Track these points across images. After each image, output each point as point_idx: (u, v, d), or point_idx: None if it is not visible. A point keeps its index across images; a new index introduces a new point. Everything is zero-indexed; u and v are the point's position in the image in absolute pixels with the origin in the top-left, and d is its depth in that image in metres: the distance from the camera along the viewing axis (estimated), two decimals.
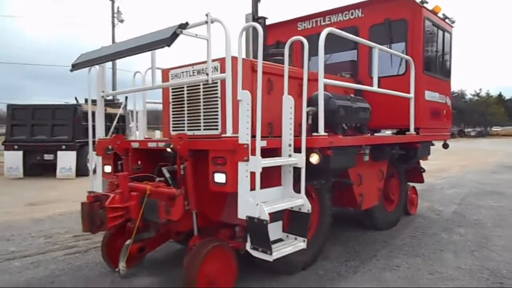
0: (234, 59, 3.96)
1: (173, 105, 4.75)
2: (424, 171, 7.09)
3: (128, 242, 4.14)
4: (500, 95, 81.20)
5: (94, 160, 5.16)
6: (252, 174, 3.38)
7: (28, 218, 7.68)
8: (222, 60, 4.17)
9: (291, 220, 3.86)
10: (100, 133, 5.06)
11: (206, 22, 3.53)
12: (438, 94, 6.54)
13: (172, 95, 4.75)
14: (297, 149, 3.82)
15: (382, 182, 5.73)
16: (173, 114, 4.77)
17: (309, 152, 3.86)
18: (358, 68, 6.39)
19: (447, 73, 6.97)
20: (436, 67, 6.58)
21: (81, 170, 14.07)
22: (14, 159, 13.69)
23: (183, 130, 4.61)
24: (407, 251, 5.32)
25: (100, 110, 4.96)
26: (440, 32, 6.58)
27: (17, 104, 15.06)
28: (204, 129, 4.39)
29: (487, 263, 4.81)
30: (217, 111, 4.24)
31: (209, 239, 3.87)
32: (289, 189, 3.83)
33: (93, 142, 5.17)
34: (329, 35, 4.00)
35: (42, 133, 13.82)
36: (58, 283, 4.34)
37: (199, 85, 4.37)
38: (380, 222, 6.16)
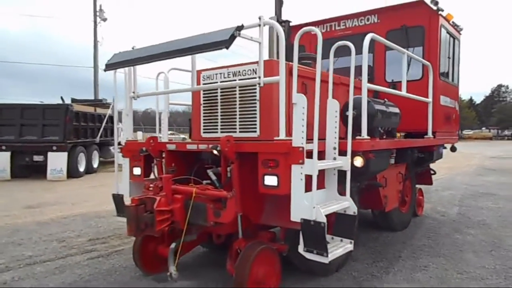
0: (276, 62, 4.00)
1: (204, 107, 4.71)
2: (435, 173, 7.29)
3: (173, 245, 4.09)
4: (471, 100, 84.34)
5: (117, 161, 5.06)
6: (306, 177, 3.40)
7: (31, 221, 7.45)
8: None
9: (337, 222, 3.90)
10: (127, 134, 4.95)
11: (259, 25, 3.54)
12: (449, 99, 6.74)
13: (204, 97, 4.71)
14: (340, 152, 3.86)
15: (401, 184, 5.85)
16: (204, 117, 4.72)
17: (352, 155, 3.92)
18: (374, 73, 6.50)
19: (456, 78, 7.19)
20: (448, 73, 6.78)
21: (72, 172, 13.75)
22: (1, 160, 13.21)
23: (216, 132, 4.58)
24: (428, 252, 5.45)
25: (129, 111, 4.86)
26: (451, 39, 6.79)
27: (5, 104, 14.55)
28: (240, 132, 4.38)
29: (508, 263, 4.99)
30: (255, 114, 4.23)
31: (256, 241, 3.87)
32: (333, 192, 3.87)
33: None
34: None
35: (31, 134, 13.38)
36: None
37: (235, 87, 4.36)
38: (396, 223, 6.29)
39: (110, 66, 4.30)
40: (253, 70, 4.22)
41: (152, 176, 4.79)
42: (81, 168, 14.46)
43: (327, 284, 4.31)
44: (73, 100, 16.75)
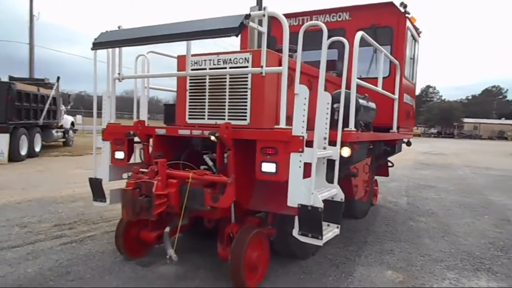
0: (269, 52, 4.12)
1: (191, 93, 4.70)
2: (392, 165, 7.83)
3: (167, 229, 4.08)
4: None
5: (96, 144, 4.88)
6: (306, 165, 3.57)
7: None
8: (254, 52, 4.30)
9: (325, 208, 4.12)
10: (108, 117, 4.80)
11: (264, 15, 3.63)
12: (410, 97, 7.27)
13: (191, 83, 4.69)
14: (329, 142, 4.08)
15: (367, 175, 6.25)
16: (190, 103, 4.71)
17: (341, 145, 4.15)
18: (342, 68, 6.81)
19: (415, 78, 7.75)
20: (409, 72, 7.29)
21: (13, 155, 12.87)
22: None
23: (203, 119, 4.60)
24: (390, 237, 5.91)
25: (112, 93, 4.71)
26: (413, 41, 7.30)
27: None
28: (229, 119, 4.42)
29: (461, 247, 5.57)
30: (246, 102, 4.32)
31: (249, 226, 4.00)
32: (323, 179, 4.08)
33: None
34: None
35: None
36: (75, 273, 4.12)
37: (225, 74, 4.40)
38: (358, 211, 6.71)
39: (100, 45, 4.15)
40: (245, 58, 4.29)
41: (132, 161, 4.73)
42: (23, 152, 13.55)
43: (308, 267, 4.55)
44: (12, 78, 15.56)
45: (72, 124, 20.23)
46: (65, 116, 19.33)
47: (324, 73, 4.16)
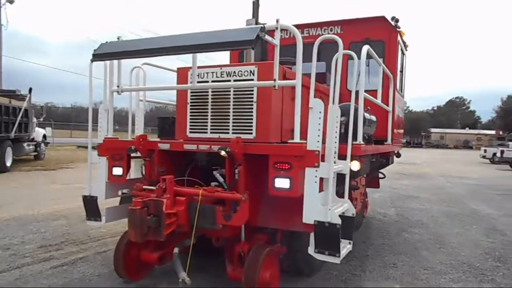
0: (268, 65, 4.06)
1: (192, 106, 4.54)
2: (384, 176, 7.85)
3: (176, 250, 3.87)
4: None
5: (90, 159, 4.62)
6: (320, 180, 3.48)
7: None
8: (259, 65, 4.21)
9: None
10: (105, 131, 4.56)
11: (276, 28, 3.54)
12: (401, 109, 7.35)
13: (192, 96, 4.53)
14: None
15: (364, 187, 6.23)
16: (191, 116, 4.54)
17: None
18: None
19: (403, 90, 7.86)
20: (399, 85, 7.37)
21: None
22: None
23: (205, 133, 4.44)
24: (389, 250, 5.88)
25: (109, 106, 4.48)
26: (402, 54, 7.40)
27: None
28: (234, 133, 4.29)
29: (460, 258, 5.60)
30: (251, 116, 4.20)
31: (259, 244, 3.84)
32: (333, 194, 3.99)
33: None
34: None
35: None
36: None
37: (229, 87, 4.28)
38: (356, 224, 6.65)
39: (104, 56, 3.94)
40: (251, 71, 4.19)
41: (129, 177, 4.53)
42: None
43: (316, 283, 4.43)
44: None
45: (44, 137, 19.49)
46: (37, 128, 18.58)
47: (338, 87, 4.09)
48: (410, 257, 5.59)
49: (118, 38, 4.29)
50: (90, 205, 4.55)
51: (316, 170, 3.46)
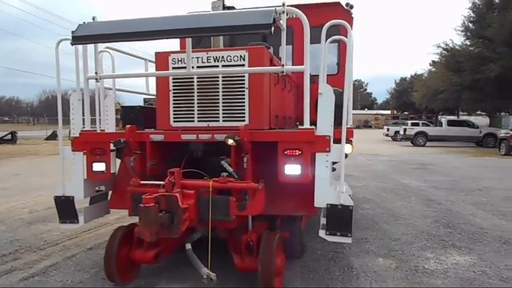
0: (259, 49, 4.04)
1: (175, 94, 4.28)
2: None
3: (188, 246, 3.66)
4: None
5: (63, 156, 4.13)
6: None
7: None
8: (250, 49, 4.13)
9: None
10: (79, 124, 4.10)
11: (283, 12, 3.50)
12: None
13: (175, 83, 4.27)
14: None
15: None
16: (175, 104, 4.29)
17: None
18: (293, 65, 6.93)
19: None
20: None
21: None
22: None
23: (192, 121, 4.23)
24: (354, 226, 6.19)
25: (86, 95, 4.03)
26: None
27: None
28: (225, 121, 4.17)
29: (417, 228, 6.16)
30: (243, 103, 4.10)
31: (268, 232, 3.81)
32: (331, 178, 4.11)
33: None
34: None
35: None
36: None
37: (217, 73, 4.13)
38: None
39: (87, 39, 3.51)
40: (241, 56, 4.08)
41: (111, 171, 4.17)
42: None
43: (308, 265, 4.55)
44: None
45: None
46: None
47: (325, 71, 4.19)
48: (375, 231, 6.00)
49: (93, 19, 3.87)
50: (65, 206, 4.12)
51: (327, 155, 3.53)
